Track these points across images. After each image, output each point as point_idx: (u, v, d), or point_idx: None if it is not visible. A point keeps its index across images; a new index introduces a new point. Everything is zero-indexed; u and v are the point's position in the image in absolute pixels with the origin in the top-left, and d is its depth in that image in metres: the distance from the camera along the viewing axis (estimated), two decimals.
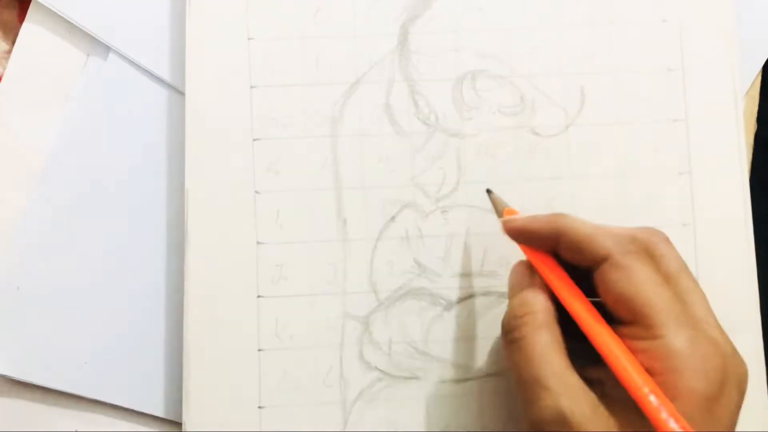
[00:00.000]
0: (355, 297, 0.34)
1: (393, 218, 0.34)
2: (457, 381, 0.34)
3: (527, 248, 0.30)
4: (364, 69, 0.35)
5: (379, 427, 0.33)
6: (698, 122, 0.35)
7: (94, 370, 0.34)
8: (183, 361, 0.33)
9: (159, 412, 0.35)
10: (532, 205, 0.34)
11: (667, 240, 0.28)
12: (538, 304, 0.28)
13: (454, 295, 0.34)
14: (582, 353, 0.27)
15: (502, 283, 0.34)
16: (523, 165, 0.35)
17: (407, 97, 0.35)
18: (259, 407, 0.33)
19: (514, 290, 0.30)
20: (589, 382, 0.26)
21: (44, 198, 0.35)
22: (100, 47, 0.37)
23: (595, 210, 0.34)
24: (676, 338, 0.25)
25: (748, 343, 0.34)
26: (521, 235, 0.30)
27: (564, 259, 0.29)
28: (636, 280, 0.27)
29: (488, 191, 0.33)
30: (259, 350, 0.34)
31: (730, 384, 0.25)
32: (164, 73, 0.36)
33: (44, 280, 0.35)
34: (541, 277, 0.29)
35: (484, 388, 0.34)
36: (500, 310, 0.34)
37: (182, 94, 0.35)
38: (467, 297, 0.34)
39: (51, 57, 0.37)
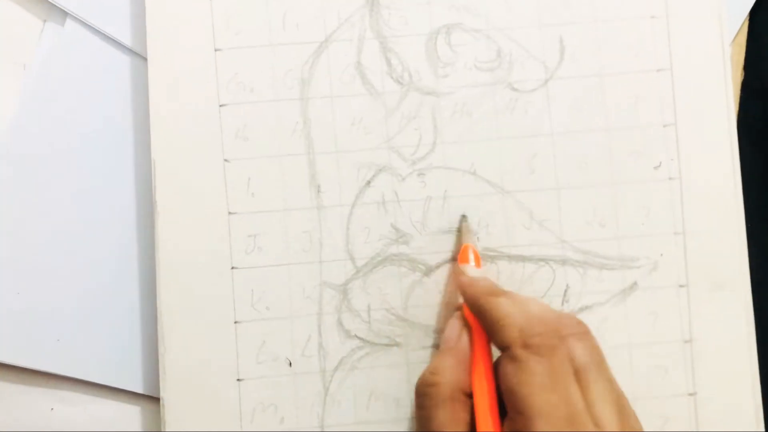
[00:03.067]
0: (331, 265, 0.33)
1: (368, 183, 0.33)
2: (438, 346, 0.33)
3: (466, 307, 0.30)
4: (333, 26, 0.33)
5: (361, 395, 0.33)
6: (684, 71, 0.34)
7: (67, 347, 0.34)
8: (158, 335, 0.33)
9: (137, 388, 0.34)
10: (512, 165, 0.33)
11: (584, 336, 0.27)
12: (447, 375, 0.28)
13: (433, 259, 0.33)
14: None
15: (481, 245, 0.33)
16: (501, 122, 0.33)
17: (379, 55, 0.33)
18: (238, 380, 0.33)
19: (441, 347, 0.30)
20: None
21: (5, 172, 0.34)
22: (56, 12, 0.35)
23: (577, 167, 0.33)
24: None
25: (737, 300, 0.33)
26: (462, 292, 0.30)
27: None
28: (525, 377, 0.26)
29: (463, 217, 0.33)
30: (236, 322, 0.33)
31: None
32: (125, 38, 0.35)
33: (10, 256, 0.34)
34: (467, 341, 0.29)
35: None
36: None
37: (144, 59, 0.34)
38: (446, 261, 0.33)
39: (5, 24, 0.35)
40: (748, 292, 0.33)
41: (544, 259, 0.33)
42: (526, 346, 0.26)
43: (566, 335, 0.27)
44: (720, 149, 0.34)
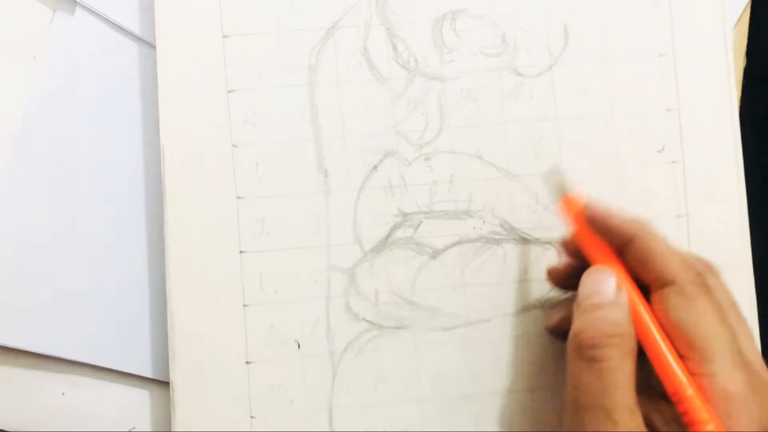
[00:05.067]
0: (339, 249, 0.33)
1: (375, 167, 0.34)
2: (445, 329, 0.33)
3: (594, 249, 0.29)
4: (340, 13, 0.34)
5: (368, 378, 0.33)
6: (686, 57, 0.34)
7: (78, 332, 0.34)
8: (167, 320, 0.33)
9: (147, 373, 0.34)
10: (517, 149, 0.34)
11: (719, 275, 0.28)
12: (627, 328, 0.26)
13: (439, 243, 0.33)
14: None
15: (487, 229, 0.33)
16: (506, 107, 0.34)
17: (385, 41, 0.34)
18: (247, 363, 0.33)
19: (594, 300, 0.27)
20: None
21: (18, 161, 0.34)
22: (65, 2, 0.35)
23: (581, 151, 0.34)
24: (732, 380, 0.25)
25: (739, 282, 0.33)
26: (598, 223, 0.29)
27: (626, 265, 0.28)
28: (697, 312, 0.26)
29: (551, 173, 0.31)
30: (245, 306, 0.33)
31: None
32: (134, 26, 0.35)
33: (23, 244, 0.34)
34: (626, 296, 0.27)
35: (472, 336, 0.33)
36: (486, 256, 0.33)
37: (153, 47, 0.34)
38: (453, 244, 0.33)
39: (15, 14, 0.36)
40: (750, 275, 0.34)
41: (550, 242, 0.33)
42: (692, 281, 0.26)
43: (713, 274, 0.27)
44: (722, 133, 0.34)
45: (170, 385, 0.33)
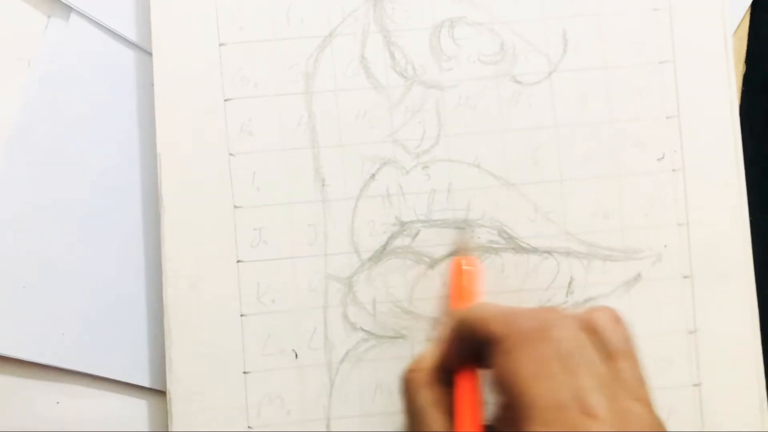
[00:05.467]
0: (337, 258, 0.33)
1: (373, 176, 0.33)
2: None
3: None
4: (338, 20, 0.34)
5: (366, 388, 0.33)
6: (686, 63, 0.34)
7: (73, 341, 0.34)
8: (164, 329, 0.33)
9: (144, 382, 0.34)
10: (516, 157, 0.33)
11: (568, 325, 0.26)
12: (428, 361, 0.29)
13: (437, 252, 0.33)
14: None
15: (485, 237, 0.33)
16: (505, 115, 0.34)
17: (383, 49, 0.34)
18: (244, 373, 0.33)
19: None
20: None
21: (12, 169, 0.34)
22: (60, 8, 0.35)
23: (581, 159, 0.34)
24: None
25: (740, 291, 0.33)
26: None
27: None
28: (514, 370, 0.25)
29: (460, 228, 0.33)
30: (242, 315, 0.33)
31: None
32: (130, 33, 0.35)
33: (17, 251, 0.34)
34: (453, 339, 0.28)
35: None
36: (484, 265, 0.33)
37: (149, 54, 0.34)
38: (451, 254, 0.33)
39: (10, 20, 0.35)
40: (752, 283, 0.33)
41: (549, 251, 0.33)
42: (517, 336, 0.25)
43: (552, 325, 0.26)
44: (723, 140, 0.34)
45: (167, 395, 0.33)
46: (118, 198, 0.34)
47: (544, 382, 0.24)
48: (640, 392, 0.25)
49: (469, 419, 0.27)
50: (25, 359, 0.34)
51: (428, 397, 0.28)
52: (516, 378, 0.25)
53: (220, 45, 0.33)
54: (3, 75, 0.35)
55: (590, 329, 0.26)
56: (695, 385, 0.33)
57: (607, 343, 0.26)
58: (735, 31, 0.36)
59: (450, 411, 0.28)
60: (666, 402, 0.33)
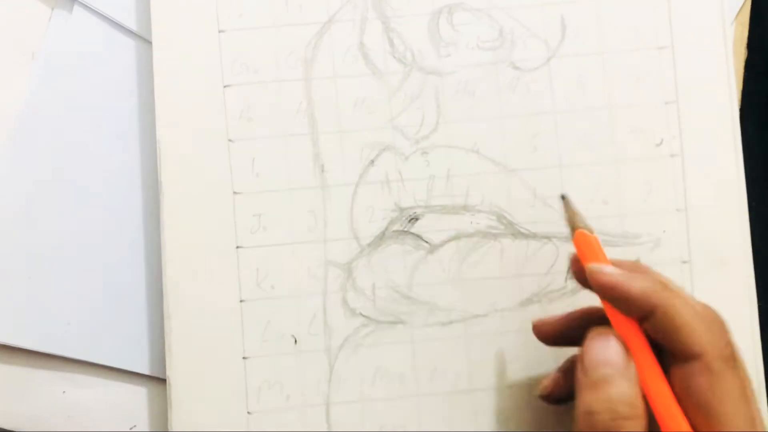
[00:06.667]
0: (336, 244, 0.33)
1: (372, 162, 0.33)
2: (443, 324, 0.33)
3: (613, 312, 0.26)
4: (336, 7, 0.34)
5: (366, 373, 0.33)
6: (685, 49, 0.34)
7: (77, 330, 0.34)
8: (164, 315, 0.33)
9: (145, 370, 0.34)
10: (515, 143, 0.33)
11: (729, 329, 0.25)
12: (641, 407, 0.25)
13: (436, 238, 0.33)
14: None
15: (484, 223, 0.33)
16: (504, 101, 0.34)
17: (382, 35, 0.34)
18: (244, 358, 0.33)
19: (604, 371, 0.25)
20: None
21: (16, 159, 0.34)
22: (64, 0, 0.35)
23: (579, 144, 0.33)
24: None
25: (739, 277, 0.33)
26: (612, 293, 0.26)
27: (646, 331, 0.26)
28: (722, 390, 0.24)
29: (563, 197, 0.30)
30: (241, 301, 0.33)
31: None
32: (131, 23, 0.35)
33: (21, 243, 0.34)
34: (634, 367, 0.25)
35: (470, 330, 0.33)
36: (484, 250, 0.33)
37: (150, 43, 0.34)
38: (451, 239, 0.33)
39: (14, 13, 0.36)
40: (750, 268, 0.33)
41: (548, 237, 0.33)
42: (720, 357, 0.24)
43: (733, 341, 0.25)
44: (721, 126, 0.34)
45: (167, 380, 0.33)
46: (119, 185, 0.35)
47: (741, 408, 0.24)
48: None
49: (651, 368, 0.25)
50: (30, 349, 0.34)
51: None
52: (716, 403, 0.24)
53: (219, 32, 0.34)
54: (8, 66, 0.35)
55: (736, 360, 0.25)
56: None
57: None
58: (737, 16, 0.36)
59: None
60: None
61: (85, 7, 0.35)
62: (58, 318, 0.34)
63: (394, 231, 0.33)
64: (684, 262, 0.33)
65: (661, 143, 0.34)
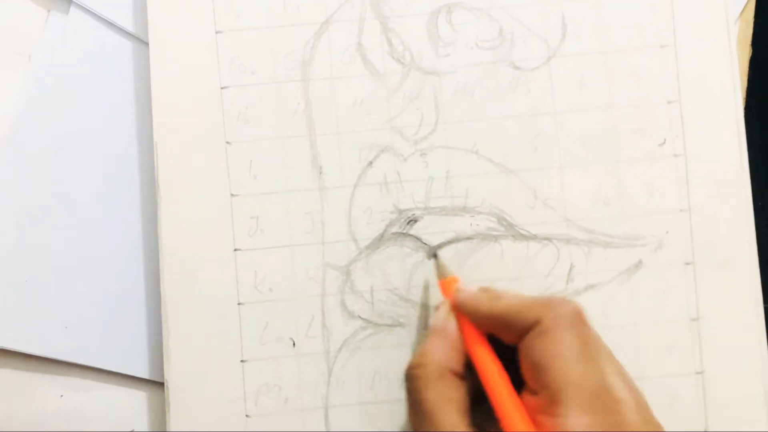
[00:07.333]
0: (334, 246, 0.33)
1: (370, 163, 0.33)
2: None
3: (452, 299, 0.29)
4: (334, 7, 0.33)
5: (364, 376, 0.33)
6: (688, 47, 0.33)
7: (75, 334, 0.34)
8: (162, 319, 0.33)
9: (144, 374, 0.34)
10: (515, 144, 0.33)
11: (585, 313, 0.27)
12: (434, 355, 0.27)
13: (435, 240, 0.33)
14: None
15: (484, 225, 0.33)
16: (503, 101, 0.33)
17: (380, 35, 0.33)
18: (242, 361, 0.33)
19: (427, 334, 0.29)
20: None
21: (13, 161, 0.34)
22: (61, 2, 0.35)
23: (580, 145, 0.33)
24: (576, 422, 0.24)
25: (745, 277, 0.33)
26: (467, 308, 0.29)
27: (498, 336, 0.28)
28: (555, 351, 0.25)
29: (435, 255, 0.32)
30: (239, 304, 0.33)
31: None
32: (128, 24, 0.35)
33: (19, 246, 0.34)
34: (454, 323, 0.28)
35: None
36: (483, 253, 0.33)
37: (147, 44, 0.34)
38: (450, 241, 0.33)
39: (10, 15, 0.36)
40: (755, 269, 0.33)
41: (548, 238, 0.33)
42: (556, 320, 0.26)
43: (581, 312, 0.27)
44: (725, 125, 0.33)
45: (165, 383, 0.33)
46: (118, 189, 0.35)
47: (581, 365, 0.25)
48: (630, 380, 0.26)
49: (503, 387, 0.26)
50: (28, 353, 0.34)
51: (438, 394, 0.26)
52: (555, 359, 0.25)
53: (216, 33, 0.33)
54: (4, 68, 0.35)
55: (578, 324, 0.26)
56: (698, 372, 0.32)
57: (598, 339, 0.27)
58: (741, 14, 0.36)
59: (462, 408, 0.26)
60: (669, 390, 0.32)
61: (82, 8, 0.35)
62: (56, 322, 0.34)
63: (392, 233, 0.33)
64: (687, 263, 0.33)
65: (663, 143, 0.33)
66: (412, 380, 0.27)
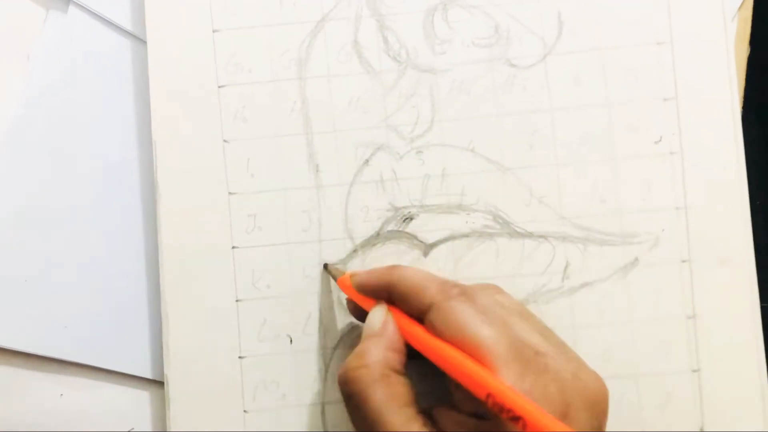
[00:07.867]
0: (331, 244, 0.33)
1: (366, 161, 0.33)
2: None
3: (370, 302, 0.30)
4: (330, 5, 0.33)
5: None
6: (684, 44, 0.33)
7: (75, 333, 0.34)
8: (161, 317, 0.33)
9: (145, 373, 0.34)
10: (511, 141, 0.33)
11: (498, 289, 0.29)
12: (375, 355, 0.27)
13: (431, 237, 0.33)
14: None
15: (480, 223, 0.33)
16: (499, 99, 0.33)
17: (376, 33, 0.33)
18: (240, 357, 0.33)
19: (363, 335, 0.29)
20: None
21: (12, 160, 0.35)
22: (59, 1, 0.35)
23: (576, 142, 0.33)
24: (506, 374, 0.24)
25: (741, 275, 0.33)
26: (365, 288, 0.30)
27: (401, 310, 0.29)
28: (461, 320, 0.26)
29: (325, 266, 0.33)
30: (237, 301, 0.33)
31: (573, 408, 0.25)
32: (126, 23, 0.35)
33: (18, 245, 0.34)
34: (393, 325, 0.28)
35: None
36: (479, 251, 0.33)
37: (145, 42, 0.34)
38: (445, 239, 0.33)
39: (9, 15, 0.36)
40: (752, 267, 0.33)
41: (544, 236, 0.33)
42: (448, 298, 0.27)
43: (483, 287, 0.29)
44: (722, 123, 0.33)
45: (164, 379, 0.33)
46: (117, 188, 0.35)
47: (489, 327, 0.26)
48: (555, 338, 0.27)
49: (459, 355, 0.26)
50: (28, 352, 0.34)
51: (385, 392, 0.26)
52: (460, 323, 0.26)
53: (213, 31, 0.33)
54: (3, 69, 0.35)
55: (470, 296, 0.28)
56: (694, 370, 0.32)
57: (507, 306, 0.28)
58: (739, 11, 0.36)
59: (411, 405, 0.26)
60: (665, 387, 0.32)
61: (80, 7, 0.35)
62: (56, 321, 0.34)
63: (388, 231, 0.33)
64: (684, 261, 0.33)
65: (660, 140, 0.33)
66: (353, 382, 0.27)
